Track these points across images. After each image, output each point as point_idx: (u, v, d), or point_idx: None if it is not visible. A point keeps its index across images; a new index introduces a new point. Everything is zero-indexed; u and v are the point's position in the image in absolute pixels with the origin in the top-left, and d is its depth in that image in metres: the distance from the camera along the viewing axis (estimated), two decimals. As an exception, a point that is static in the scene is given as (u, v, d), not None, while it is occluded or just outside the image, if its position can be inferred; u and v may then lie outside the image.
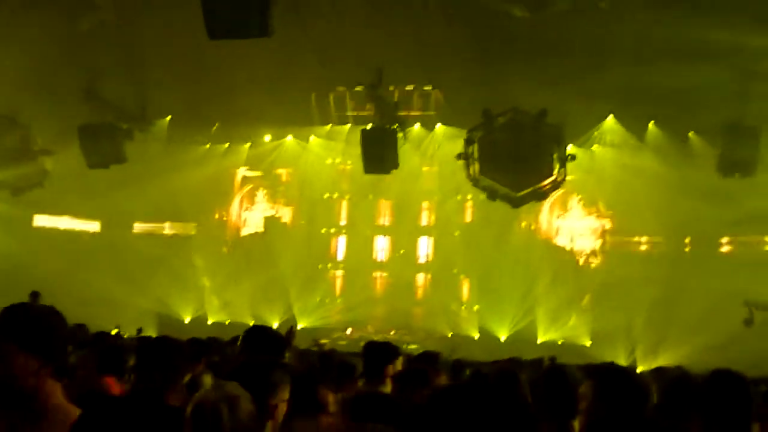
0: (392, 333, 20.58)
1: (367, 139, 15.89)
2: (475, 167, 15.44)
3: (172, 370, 3.69)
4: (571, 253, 21.65)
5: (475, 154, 15.33)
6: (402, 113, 16.92)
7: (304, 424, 3.65)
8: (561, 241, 21.87)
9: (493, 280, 20.51)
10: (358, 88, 18.22)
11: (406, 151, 16.86)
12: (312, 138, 22.62)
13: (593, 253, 21.69)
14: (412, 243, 23.07)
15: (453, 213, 22.33)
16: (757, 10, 12.52)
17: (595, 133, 19.73)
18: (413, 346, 15.27)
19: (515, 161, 15.09)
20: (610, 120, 19.50)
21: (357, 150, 16.66)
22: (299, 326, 20.11)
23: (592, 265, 21.53)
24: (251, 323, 16.15)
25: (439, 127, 20.79)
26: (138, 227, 23.55)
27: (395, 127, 15.83)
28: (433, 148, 20.96)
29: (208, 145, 22.81)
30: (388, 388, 4.61)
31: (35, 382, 1.94)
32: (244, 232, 24.07)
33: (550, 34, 14.57)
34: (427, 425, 1.27)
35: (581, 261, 21.64)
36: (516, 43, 15.23)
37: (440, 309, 21.94)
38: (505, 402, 1.30)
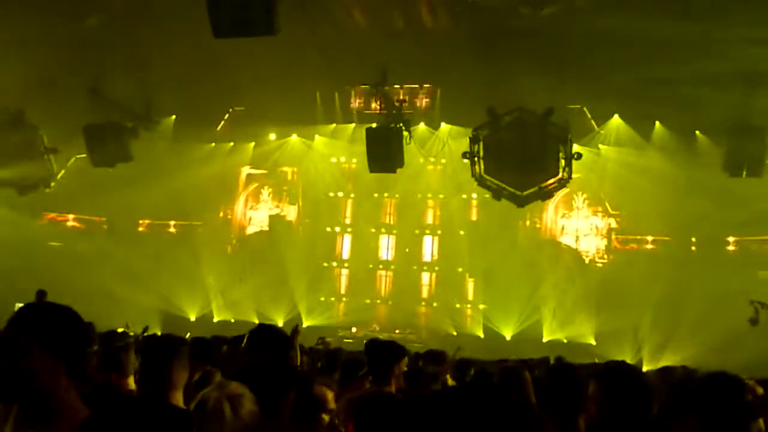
0: (397, 332, 20.60)
1: (372, 137, 15.87)
2: (481, 166, 15.40)
3: (174, 369, 3.69)
4: (577, 252, 21.62)
5: (481, 153, 15.29)
6: (407, 112, 16.90)
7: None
8: (566, 240, 21.85)
9: (499, 279, 20.49)
10: (363, 87, 18.22)
11: (410, 150, 16.86)
12: (317, 137, 22.65)
13: (599, 252, 21.66)
14: (417, 242, 23.08)
15: (458, 212, 22.33)
16: (762, 8, 12.46)
17: (601, 132, 19.70)
18: (418, 345, 15.24)
19: (520, 160, 15.04)
20: (616, 119, 19.46)
21: (362, 149, 16.66)
22: (304, 325, 20.13)
23: (598, 265, 21.50)
24: (256, 321, 16.21)
25: (444, 126, 20.79)
26: (143, 225, 23.64)
27: (400, 125, 15.81)
28: (438, 146, 20.96)
29: (213, 144, 22.87)
30: (393, 387, 4.61)
31: (51, 382, 1.94)
32: (250, 230, 24.13)
33: (556, 33, 14.52)
34: (431, 425, 1.27)
35: (587, 260, 21.61)
36: (521, 41, 15.18)
37: (445, 308, 21.96)
38: (509, 402, 1.30)
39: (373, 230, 23.27)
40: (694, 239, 20.10)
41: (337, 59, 16.24)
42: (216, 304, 22.09)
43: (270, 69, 16.96)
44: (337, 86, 20.33)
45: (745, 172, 14.94)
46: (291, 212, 24.02)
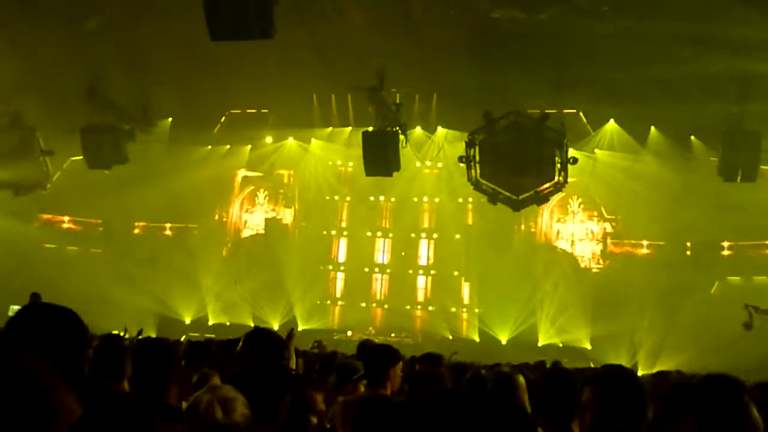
0: (393, 335, 20.59)
1: (368, 141, 15.87)
2: (477, 170, 15.42)
3: (167, 373, 3.70)
4: (572, 256, 21.66)
5: (477, 157, 15.31)
6: (403, 116, 16.93)
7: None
8: (561, 244, 21.88)
9: (494, 283, 20.51)
10: (360, 91, 18.21)
11: (407, 154, 16.87)
12: (313, 140, 22.67)
13: (594, 256, 21.70)
14: (413, 245, 23.09)
15: (454, 215, 22.35)
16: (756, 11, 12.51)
17: (597, 136, 19.75)
18: (413, 349, 15.21)
19: (516, 164, 15.06)
20: (611, 123, 19.53)
21: (358, 152, 16.66)
22: (300, 328, 20.13)
23: (593, 270, 21.53)
24: (252, 324, 16.17)
25: (440, 129, 20.82)
26: (139, 228, 23.60)
27: (396, 129, 15.82)
28: (434, 150, 20.98)
29: (209, 147, 22.85)
30: (388, 390, 4.61)
31: (47, 385, 1.94)
32: (245, 233, 24.11)
33: (552, 38, 14.58)
34: (431, 426, 1.28)
35: (582, 264, 21.64)
36: (517, 46, 15.23)
37: (441, 311, 21.97)
38: (502, 407, 1.30)
39: (369, 233, 23.27)
40: (689, 244, 20.14)
41: (334, 63, 16.26)
42: (212, 307, 22.06)
43: (266, 72, 16.98)
44: (333, 90, 20.35)
45: (739, 177, 14.97)
46: (287, 215, 24.02)
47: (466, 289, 22.36)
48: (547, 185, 15.35)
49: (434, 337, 20.60)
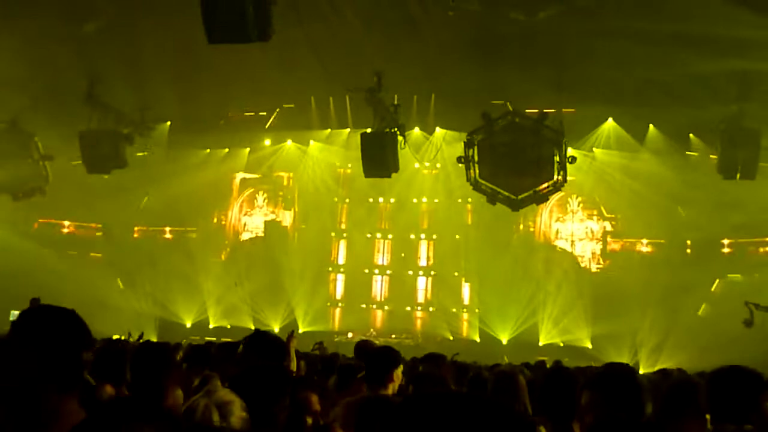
0: (393, 336, 20.59)
1: (367, 142, 15.86)
2: (475, 170, 15.41)
3: (166, 376, 3.69)
4: (572, 255, 21.65)
5: (475, 157, 15.30)
6: (401, 117, 16.93)
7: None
8: (561, 243, 21.88)
9: (494, 283, 20.51)
10: (358, 92, 18.21)
11: (405, 155, 16.86)
12: (311, 142, 22.66)
13: (594, 255, 21.69)
14: (412, 246, 23.09)
15: (453, 216, 22.35)
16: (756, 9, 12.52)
17: (595, 135, 19.74)
18: (414, 349, 15.20)
19: (515, 164, 15.06)
20: (610, 122, 19.52)
21: (357, 154, 16.65)
22: (300, 330, 20.13)
23: (593, 269, 21.53)
24: (252, 327, 16.17)
25: (439, 130, 20.82)
26: (138, 231, 23.59)
27: (395, 130, 15.81)
28: (433, 151, 20.98)
29: (208, 150, 22.85)
30: (390, 392, 4.61)
31: (48, 388, 1.93)
32: (245, 236, 24.10)
33: (550, 38, 14.57)
34: (431, 427, 1.27)
35: (582, 264, 21.64)
36: (515, 46, 15.23)
37: (441, 312, 21.97)
38: (502, 407, 1.30)
39: (368, 235, 23.27)
40: (689, 242, 20.13)
41: (332, 64, 16.25)
42: (212, 311, 22.05)
43: (264, 75, 16.98)
44: (331, 92, 20.34)
45: (739, 175, 14.97)
46: (286, 218, 24.02)
47: (466, 289, 22.35)
48: (546, 185, 15.33)
49: (435, 338, 20.61)
